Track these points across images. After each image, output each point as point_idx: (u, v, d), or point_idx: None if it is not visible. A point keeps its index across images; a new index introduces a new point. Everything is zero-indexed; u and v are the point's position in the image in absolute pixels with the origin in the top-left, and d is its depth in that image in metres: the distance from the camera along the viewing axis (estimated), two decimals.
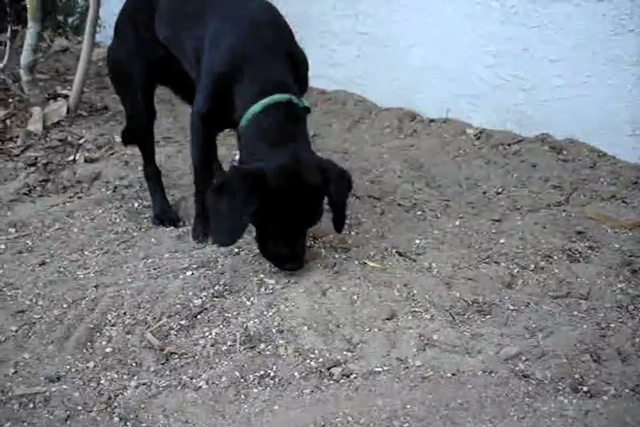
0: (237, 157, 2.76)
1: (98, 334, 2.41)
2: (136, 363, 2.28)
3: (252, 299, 2.52)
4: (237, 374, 2.19)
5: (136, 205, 3.35)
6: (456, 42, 4.07)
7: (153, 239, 3.02)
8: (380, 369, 2.18)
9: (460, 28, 4.03)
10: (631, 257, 2.78)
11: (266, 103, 2.59)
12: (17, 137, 4.12)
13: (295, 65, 2.75)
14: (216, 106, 2.74)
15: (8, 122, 4.35)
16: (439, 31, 4.13)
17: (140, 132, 3.27)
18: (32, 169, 3.73)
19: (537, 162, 3.63)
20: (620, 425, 1.93)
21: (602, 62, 3.56)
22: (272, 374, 2.19)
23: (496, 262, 2.77)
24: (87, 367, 2.26)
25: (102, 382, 2.20)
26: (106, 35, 5.57)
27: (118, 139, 4.03)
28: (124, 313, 2.48)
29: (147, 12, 3.01)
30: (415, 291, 2.57)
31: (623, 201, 3.20)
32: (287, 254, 2.61)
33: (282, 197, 2.50)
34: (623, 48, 3.47)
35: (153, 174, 3.31)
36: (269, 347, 2.30)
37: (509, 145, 3.83)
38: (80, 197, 3.45)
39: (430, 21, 4.15)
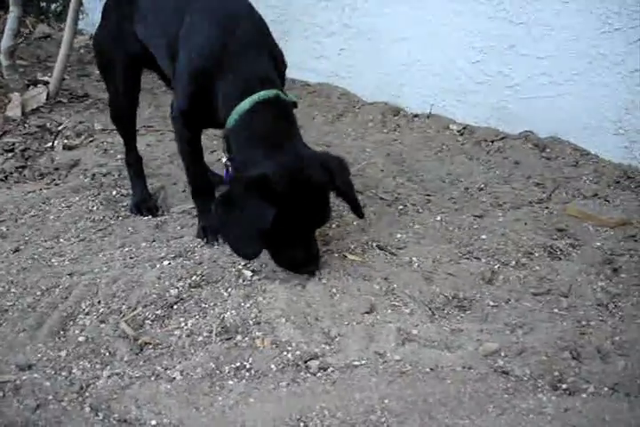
0: (224, 160, 2.65)
1: (71, 322, 2.37)
2: (109, 353, 2.24)
3: (229, 290, 2.49)
4: (213, 365, 2.15)
5: (114, 193, 3.31)
6: (442, 37, 4.04)
7: (130, 228, 2.98)
8: (358, 363, 2.15)
9: (446, 24, 4.01)
10: (612, 255, 2.77)
11: (254, 100, 2.48)
12: None
13: (275, 60, 2.67)
14: (196, 104, 2.63)
15: None
16: (426, 26, 4.10)
17: (121, 119, 3.21)
18: (9, 155, 3.69)
19: (520, 159, 3.62)
20: (598, 423, 1.91)
21: (588, 61, 3.55)
22: (248, 366, 2.15)
23: (477, 258, 2.76)
24: (59, 356, 2.22)
25: (74, 371, 2.16)
26: (88, 22, 5.52)
27: (98, 126, 4.01)
28: (99, 302, 2.44)
29: (129, 5, 2.94)
30: (395, 285, 2.55)
31: (605, 199, 3.20)
32: (304, 258, 2.52)
33: (291, 200, 2.38)
34: (610, 47, 3.46)
35: (134, 162, 3.25)
36: (246, 339, 2.26)
37: (492, 142, 3.82)
38: (57, 185, 3.40)
39: (417, 16, 4.12)
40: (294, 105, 2.63)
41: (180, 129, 2.78)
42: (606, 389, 2.06)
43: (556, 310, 2.45)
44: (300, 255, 2.52)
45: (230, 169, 2.65)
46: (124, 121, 3.21)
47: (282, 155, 2.43)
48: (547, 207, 3.14)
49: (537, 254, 2.78)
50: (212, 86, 2.56)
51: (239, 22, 2.63)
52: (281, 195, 2.36)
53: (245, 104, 2.48)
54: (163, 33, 2.76)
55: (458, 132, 3.96)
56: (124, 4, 2.98)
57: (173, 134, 3.51)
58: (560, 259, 2.77)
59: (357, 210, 2.68)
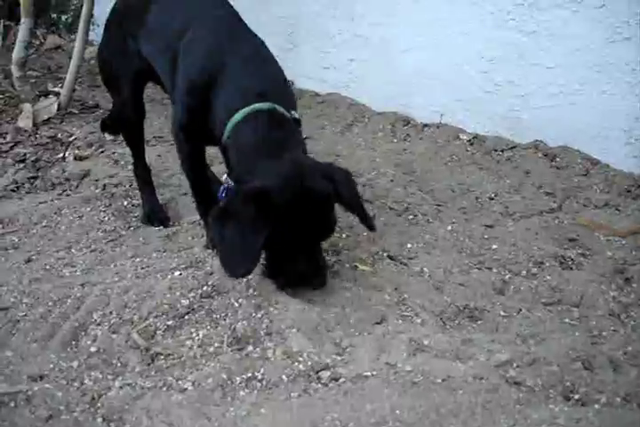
0: (225, 177, 2.60)
1: (83, 333, 2.37)
2: (121, 363, 2.24)
3: (240, 300, 2.48)
4: (224, 376, 2.14)
5: (125, 203, 3.32)
6: (451, 46, 4.05)
7: (141, 238, 2.99)
8: (369, 374, 2.14)
9: (455, 33, 4.02)
10: (624, 265, 2.76)
11: (245, 112, 2.44)
12: (6, 133, 4.10)
13: (276, 76, 2.65)
14: (195, 118, 2.62)
15: None
16: (434, 35, 4.11)
17: (129, 131, 3.24)
18: (21, 166, 3.71)
19: (530, 168, 3.61)
20: None
21: (597, 70, 3.55)
22: (259, 376, 2.15)
23: (488, 268, 2.75)
24: (71, 367, 2.22)
25: (86, 381, 2.16)
26: (99, 33, 5.52)
27: (109, 137, 4.01)
28: (110, 312, 2.44)
29: (135, 23, 2.95)
30: (406, 295, 2.54)
31: (616, 209, 3.20)
32: (311, 272, 2.44)
33: (292, 213, 2.28)
34: (619, 56, 3.46)
35: (143, 173, 3.27)
36: (257, 349, 2.26)
37: (503, 151, 3.82)
38: (68, 195, 3.42)
39: (426, 25, 4.13)
40: (297, 122, 2.56)
41: (180, 143, 2.77)
42: (619, 399, 2.04)
43: (567, 320, 2.45)
44: (304, 270, 2.43)
45: (228, 183, 2.58)
46: (133, 133, 3.24)
47: (280, 166, 2.34)
48: (557, 217, 3.14)
49: (548, 264, 2.77)
50: (210, 101, 2.54)
51: (239, 39, 2.65)
52: (281, 208, 2.26)
53: (238, 116, 2.45)
54: (166, 49, 2.76)
55: (468, 141, 3.96)
56: (129, 22, 3.00)
57: None
58: (571, 269, 2.76)
59: (367, 222, 2.57)
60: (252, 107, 2.45)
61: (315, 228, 2.38)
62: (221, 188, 2.63)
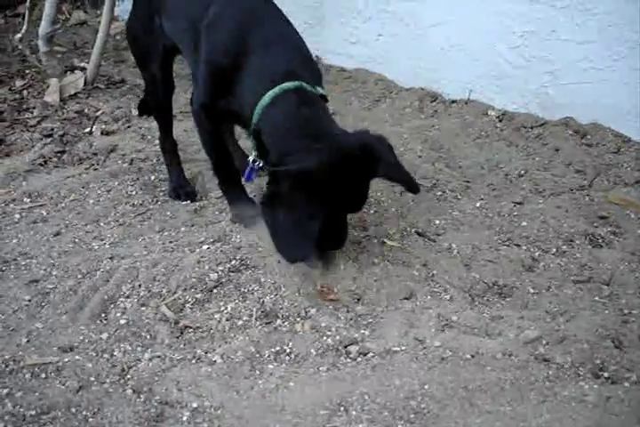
0: (251, 158, 2.61)
1: (112, 305, 2.39)
2: (150, 335, 2.26)
3: (268, 274, 2.48)
4: (253, 349, 2.16)
5: (152, 178, 3.32)
6: (481, 21, 3.98)
7: (169, 212, 2.99)
8: (397, 349, 2.15)
9: (485, 8, 3.95)
10: None
11: (274, 93, 2.44)
12: (33, 108, 4.10)
13: (301, 55, 2.63)
14: (217, 98, 2.61)
15: (25, 93, 4.33)
16: (464, 10, 4.04)
17: (157, 104, 3.24)
18: (48, 140, 3.71)
19: (560, 146, 3.56)
20: None
21: (629, 46, 3.48)
22: (288, 350, 2.16)
23: (517, 245, 2.73)
24: (100, 339, 2.24)
25: (116, 353, 2.18)
26: (124, 8, 5.52)
27: (135, 112, 4.00)
28: (139, 285, 2.45)
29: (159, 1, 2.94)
30: (434, 271, 2.54)
31: None
32: (334, 241, 2.51)
33: (334, 189, 2.34)
34: None
35: (170, 147, 3.26)
36: (286, 323, 2.27)
37: (532, 128, 3.76)
38: (96, 169, 3.41)
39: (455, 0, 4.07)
40: (323, 98, 2.56)
41: (200, 122, 2.77)
42: None
43: (597, 298, 2.43)
44: (332, 238, 2.49)
45: (256, 166, 2.61)
46: (161, 106, 3.23)
47: (319, 145, 2.35)
48: (588, 194, 3.10)
49: (578, 242, 2.75)
50: (234, 81, 2.53)
51: (263, 17, 2.63)
52: (324, 186, 2.30)
53: (266, 98, 2.44)
54: (188, 29, 2.74)
55: (497, 118, 3.91)
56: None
57: None
58: (601, 246, 2.73)
59: (411, 185, 2.56)
60: (279, 87, 2.44)
61: (351, 203, 2.47)
62: (247, 169, 2.65)
